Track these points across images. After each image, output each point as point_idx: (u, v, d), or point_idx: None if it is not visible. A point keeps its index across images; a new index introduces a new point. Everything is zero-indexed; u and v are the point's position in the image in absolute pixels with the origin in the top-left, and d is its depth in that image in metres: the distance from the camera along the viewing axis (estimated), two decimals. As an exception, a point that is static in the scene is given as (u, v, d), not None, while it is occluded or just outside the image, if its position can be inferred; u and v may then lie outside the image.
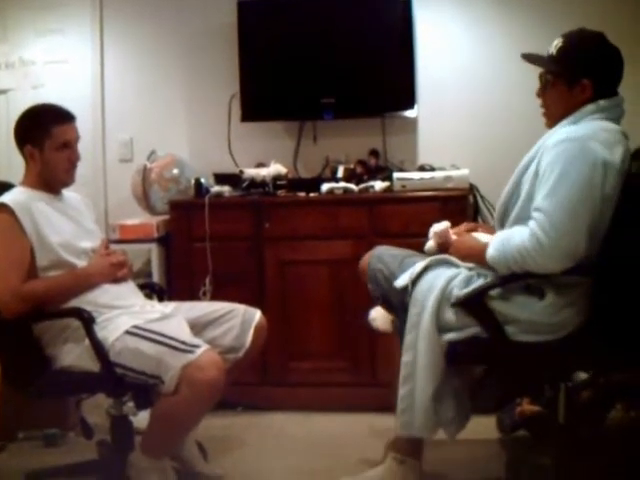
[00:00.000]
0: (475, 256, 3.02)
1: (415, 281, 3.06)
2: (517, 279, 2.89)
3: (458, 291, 2.98)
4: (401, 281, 3.11)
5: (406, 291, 3.08)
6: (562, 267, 2.80)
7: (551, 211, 2.77)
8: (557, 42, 3.02)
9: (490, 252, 2.90)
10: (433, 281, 3.03)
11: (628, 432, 3.34)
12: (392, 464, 3.20)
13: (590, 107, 2.93)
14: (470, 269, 3.06)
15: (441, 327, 2.99)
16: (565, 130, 2.91)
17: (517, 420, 3.72)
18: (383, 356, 4.16)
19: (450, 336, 2.98)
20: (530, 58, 3.08)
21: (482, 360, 3.15)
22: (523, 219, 2.88)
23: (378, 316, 3.45)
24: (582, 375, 3.39)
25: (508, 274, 2.88)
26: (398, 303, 3.15)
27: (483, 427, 3.67)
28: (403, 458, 3.18)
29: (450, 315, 2.98)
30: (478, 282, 2.98)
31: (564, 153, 2.81)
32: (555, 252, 2.77)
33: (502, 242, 2.89)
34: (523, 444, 3.69)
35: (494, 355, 3.04)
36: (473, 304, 2.94)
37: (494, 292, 2.94)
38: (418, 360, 3.01)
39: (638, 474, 3.07)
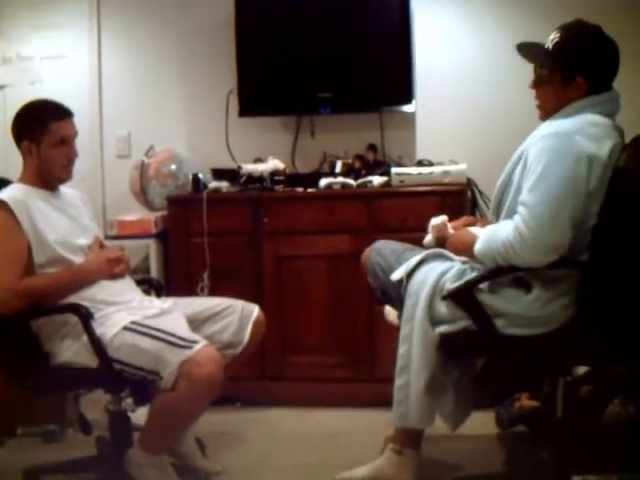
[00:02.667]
0: (468, 250, 3.03)
1: (410, 274, 3.10)
2: (504, 273, 2.91)
3: (450, 284, 3.00)
4: (397, 274, 3.15)
5: (402, 284, 3.12)
6: (545, 261, 2.81)
7: (534, 205, 2.78)
8: (554, 36, 3.02)
9: (477, 246, 2.94)
10: (427, 274, 3.06)
11: (626, 426, 3.34)
12: (390, 455, 3.21)
13: (581, 102, 2.94)
14: (464, 263, 3.09)
15: (434, 319, 3.02)
16: (553, 124, 2.93)
17: (516, 415, 3.72)
18: (381, 350, 4.17)
19: (442, 328, 3.01)
20: (525, 52, 3.08)
21: (474, 353, 3.17)
22: (514, 211, 2.89)
23: (391, 311, 3.48)
24: (581, 369, 3.40)
25: (495, 268, 2.91)
26: (395, 296, 3.19)
27: (482, 422, 3.67)
28: (401, 449, 3.19)
29: (442, 308, 3.01)
30: (470, 275, 3.00)
31: (549, 147, 2.83)
32: (537, 245, 2.78)
33: (488, 236, 2.92)
34: (522, 439, 3.69)
35: (485, 348, 3.07)
36: (463, 297, 2.96)
37: (483, 285, 2.96)
38: (412, 352, 3.05)
39: (636, 468, 3.07)
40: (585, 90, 2.94)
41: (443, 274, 3.05)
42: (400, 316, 3.16)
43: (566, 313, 2.91)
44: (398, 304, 3.19)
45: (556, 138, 2.84)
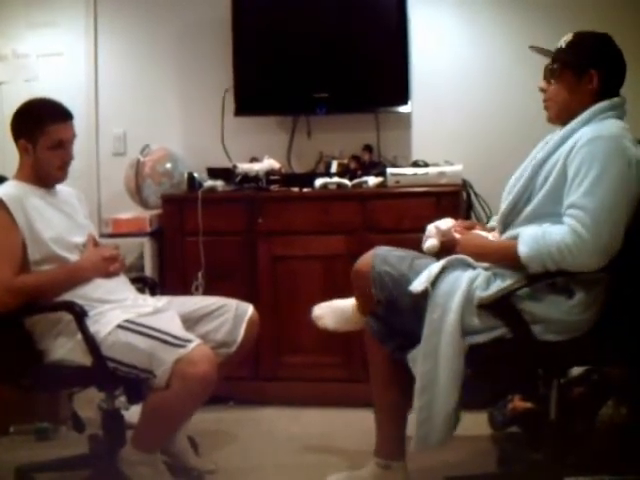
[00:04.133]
0: (489, 254, 2.97)
1: (433, 284, 2.93)
2: (546, 278, 2.82)
3: (481, 292, 2.87)
4: (418, 285, 2.95)
5: (425, 295, 2.93)
6: (600, 264, 2.74)
7: (592, 208, 2.72)
8: (567, 37, 3.00)
9: (523, 249, 2.79)
10: (454, 283, 2.92)
11: (619, 428, 3.34)
12: (376, 470, 3.19)
13: (600, 106, 2.90)
14: (486, 269, 2.96)
15: (464, 331, 2.87)
16: (591, 129, 2.86)
17: (509, 416, 3.72)
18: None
19: (475, 339, 2.87)
20: (538, 49, 3.06)
21: (506, 362, 3.02)
22: (545, 215, 2.84)
23: (325, 314, 3.40)
24: (575, 371, 3.41)
25: (538, 273, 2.80)
26: (409, 307, 3.01)
27: (475, 423, 3.67)
28: (388, 463, 3.17)
29: (474, 318, 2.87)
30: (497, 282, 2.88)
31: (600, 151, 2.77)
32: (597, 249, 2.71)
33: (536, 239, 2.78)
34: (515, 440, 3.69)
35: (519, 356, 2.94)
36: (501, 305, 2.85)
37: (521, 292, 2.84)
38: (440, 368, 2.89)
39: (629, 470, 3.08)
40: (597, 85, 2.92)
41: (472, 282, 2.91)
42: (416, 329, 2.96)
43: (596, 317, 2.86)
44: (412, 315, 3.00)
45: (606, 142, 2.79)
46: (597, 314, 2.86)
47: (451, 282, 2.92)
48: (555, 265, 2.75)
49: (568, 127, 2.93)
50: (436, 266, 2.97)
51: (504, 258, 2.88)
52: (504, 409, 3.75)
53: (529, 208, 2.91)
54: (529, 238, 2.80)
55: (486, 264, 2.97)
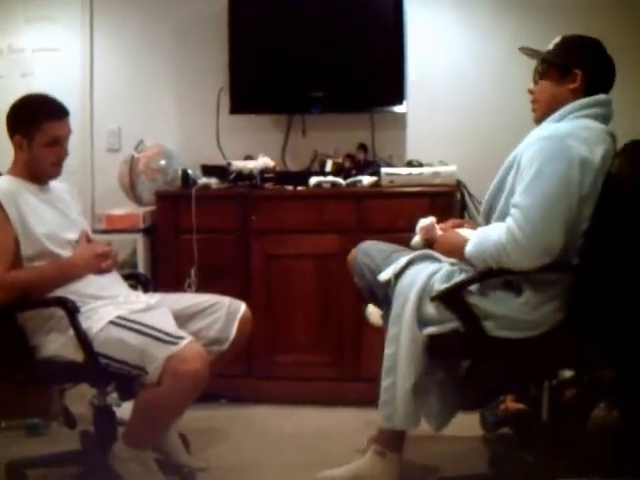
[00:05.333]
0: (457, 252, 3.03)
1: (398, 275, 3.09)
2: (494, 275, 2.91)
3: (439, 286, 2.99)
4: (385, 275, 3.14)
5: (389, 285, 3.11)
6: (537, 263, 2.81)
7: (527, 207, 2.79)
8: (555, 40, 3.06)
9: (468, 247, 2.94)
10: (415, 275, 3.05)
11: (611, 430, 3.35)
12: (373, 456, 3.22)
13: (574, 104, 2.95)
14: (452, 264, 3.08)
15: (422, 321, 3.01)
16: (547, 128, 2.94)
17: (501, 417, 3.72)
18: (368, 350, 4.16)
19: (430, 330, 3.00)
20: (527, 50, 3.10)
21: (462, 354, 3.16)
22: (506, 215, 2.89)
23: (373, 311, 3.48)
24: (567, 373, 3.41)
25: (485, 270, 2.91)
26: (382, 296, 3.18)
27: (467, 424, 3.67)
28: (384, 450, 3.20)
29: (431, 309, 3.00)
30: (459, 277, 2.99)
31: (543, 150, 2.83)
32: (530, 248, 2.78)
33: (480, 238, 2.92)
34: (506, 441, 3.70)
35: (473, 350, 3.05)
36: (452, 298, 2.96)
37: (473, 287, 2.95)
38: (400, 353, 3.04)
39: (621, 472, 3.08)
40: (581, 85, 2.96)
41: (432, 275, 3.05)
42: (386, 317, 3.16)
43: (554, 317, 2.91)
44: (384, 305, 3.19)
45: (549, 141, 2.85)
46: (559, 314, 2.91)
47: (414, 274, 3.07)
48: (495, 263, 2.86)
49: (539, 126, 3.01)
50: (403, 259, 3.13)
51: (464, 256, 2.98)
52: (496, 410, 3.74)
53: (499, 207, 2.98)
54: (475, 237, 2.95)
55: (453, 260, 3.09)
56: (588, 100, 2.95)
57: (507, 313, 2.91)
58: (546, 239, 2.78)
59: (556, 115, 2.97)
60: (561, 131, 2.88)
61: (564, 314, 2.91)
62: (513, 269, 2.85)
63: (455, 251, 3.06)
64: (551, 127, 2.93)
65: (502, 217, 2.92)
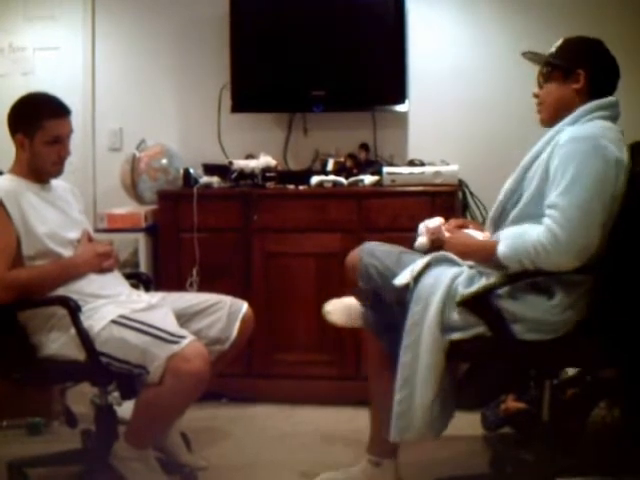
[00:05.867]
0: (473, 253, 3.00)
1: (416, 278, 2.98)
2: (526, 277, 2.84)
3: (462, 289, 2.90)
4: (402, 278, 3.00)
5: (406, 289, 2.98)
6: (575, 264, 2.76)
7: (567, 208, 2.74)
8: (558, 42, 3.06)
9: (501, 248, 2.83)
10: (437, 278, 2.95)
11: (612, 430, 3.35)
12: (367, 467, 3.20)
13: (588, 106, 2.93)
14: (471, 267, 3.00)
15: (445, 326, 2.90)
16: (572, 129, 2.89)
17: (501, 417, 3.73)
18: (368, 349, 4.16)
19: (455, 335, 2.90)
20: (530, 56, 3.10)
21: (487, 359, 3.06)
22: (529, 216, 2.85)
23: (335, 310, 3.42)
24: (568, 372, 3.41)
25: (517, 272, 2.83)
26: (393, 300, 3.06)
27: (467, 423, 3.68)
28: (379, 460, 3.17)
29: (454, 314, 2.90)
30: (481, 281, 2.91)
31: (577, 151, 2.79)
32: (571, 248, 2.73)
33: (514, 238, 2.83)
34: (507, 441, 3.70)
35: (500, 354, 2.96)
36: (480, 303, 2.87)
37: (502, 291, 2.87)
38: (420, 360, 2.91)
39: (621, 471, 3.08)
40: (585, 85, 2.95)
41: (454, 278, 2.95)
42: (402, 321, 3.00)
43: (576, 318, 2.87)
44: (395, 309, 3.06)
45: (582, 142, 2.81)
46: (579, 315, 2.88)
47: (434, 277, 2.96)
48: (532, 264, 2.78)
49: (554, 129, 2.97)
50: (421, 261, 3.01)
51: (486, 257, 2.91)
52: (496, 410, 3.75)
53: (516, 210, 2.93)
54: (508, 237, 2.85)
55: (471, 262, 3.01)
56: (601, 102, 2.93)
57: (537, 315, 2.84)
58: (586, 239, 2.74)
59: (570, 117, 2.93)
60: (592, 132, 2.84)
61: (583, 315, 2.88)
62: (549, 270, 2.79)
63: (471, 252, 3.01)
64: (577, 129, 2.88)
65: (522, 219, 2.88)
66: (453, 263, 3.06)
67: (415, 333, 2.92)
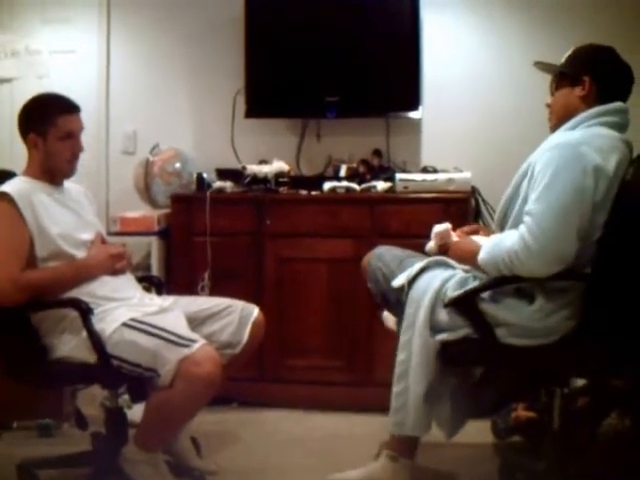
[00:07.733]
0: (470, 259, 3.04)
1: (412, 281, 3.10)
2: (507, 282, 2.92)
3: (452, 292, 3.01)
4: (398, 280, 3.15)
5: (403, 291, 3.11)
6: (549, 271, 2.81)
7: (540, 215, 2.79)
8: (568, 52, 3.09)
9: (481, 255, 2.94)
10: (429, 282, 3.06)
11: (623, 439, 3.34)
12: (385, 461, 3.21)
13: (589, 112, 2.96)
14: (466, 271, 3.10)
15: (434, 327, 3.01)
16: (561, 135, 2.95)
17: (512, 425, 3.71)
18: (380, 355, 4.15)
19: (443, 336, 3.01)
20: (540, 66, 3.13)
21: (474, 361, 3.18)
22: (519, 222, 2.89)
23: (389, 316, 3.48)
24: (579, 382, 3.40)
25: (498, 277, 2.91)
26: (395, 302, 3.19)
27: (478, 431, 3.66)
28: (396, 456, 3.19)
29: (443, 315, 3.01)
30: (472, 284, 3.00)
31: (556, 158, 2.83)
32: (542, 256, 2.78)
33: (492, 245, 2.92)
34: (517, 449, 3.69)
35: (485, 357, 3.06)
36: (464, 305, 2.97)
37: (486, 294, 2.97)
38: (412, 359, 3.04)
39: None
40: (591, 91, 2.97)
41: (445, 282, 3.06)
42: (399, 322, 3.16)
43: (566, 325, 2.91)
44: (398, 310, 3.19)
45: (562, 149, 2.85)
46: (566, 322, 2.91)
47: (427, 281, 3.08)
48: (508, 270, 2.86)
49: (555, 133, 3.00)
50: (417, 265, 3.14)
51: (476, 262, 2.98)
52: (507, 418, 3.74)
53: (513, 215, 2.99)
54: (489, 244, 2.95)
55: (467, 266, 3.11)
56: (602, 108, 2.95)
57: (519, 321, 2.91)
58: (559, 247, 2.78)
59: (570, 123, 2.97)
60: (574, 139, 2.88)
61: (576, 322, 2.91)
62: (526, 277, 2.85)
63: (468, 258, 3.07)
64: (564, 135, 2.94)
65: (516, 224, 2.92)
66: (448, 267, 3.17)
67: (409, 333, 3.06)
